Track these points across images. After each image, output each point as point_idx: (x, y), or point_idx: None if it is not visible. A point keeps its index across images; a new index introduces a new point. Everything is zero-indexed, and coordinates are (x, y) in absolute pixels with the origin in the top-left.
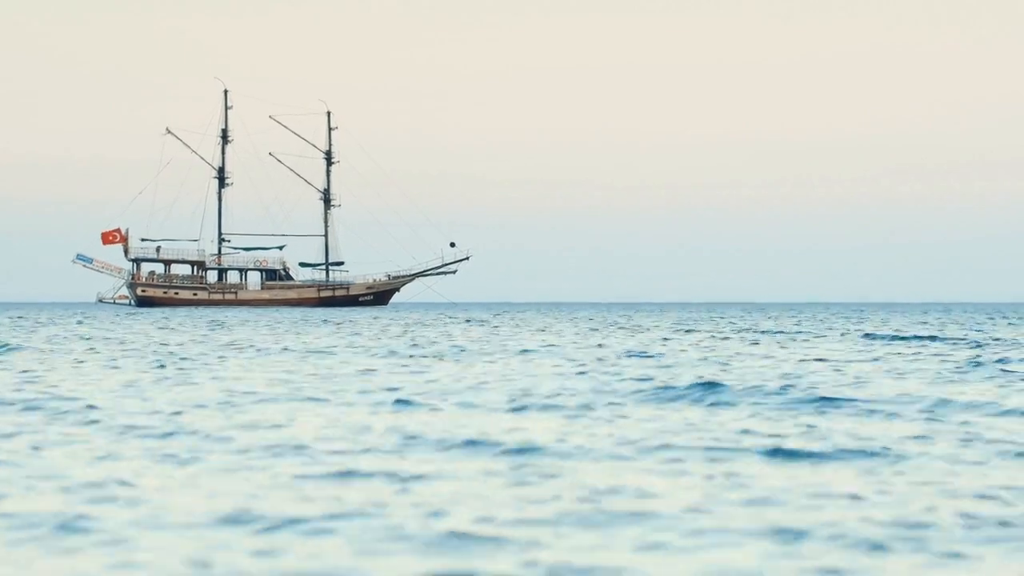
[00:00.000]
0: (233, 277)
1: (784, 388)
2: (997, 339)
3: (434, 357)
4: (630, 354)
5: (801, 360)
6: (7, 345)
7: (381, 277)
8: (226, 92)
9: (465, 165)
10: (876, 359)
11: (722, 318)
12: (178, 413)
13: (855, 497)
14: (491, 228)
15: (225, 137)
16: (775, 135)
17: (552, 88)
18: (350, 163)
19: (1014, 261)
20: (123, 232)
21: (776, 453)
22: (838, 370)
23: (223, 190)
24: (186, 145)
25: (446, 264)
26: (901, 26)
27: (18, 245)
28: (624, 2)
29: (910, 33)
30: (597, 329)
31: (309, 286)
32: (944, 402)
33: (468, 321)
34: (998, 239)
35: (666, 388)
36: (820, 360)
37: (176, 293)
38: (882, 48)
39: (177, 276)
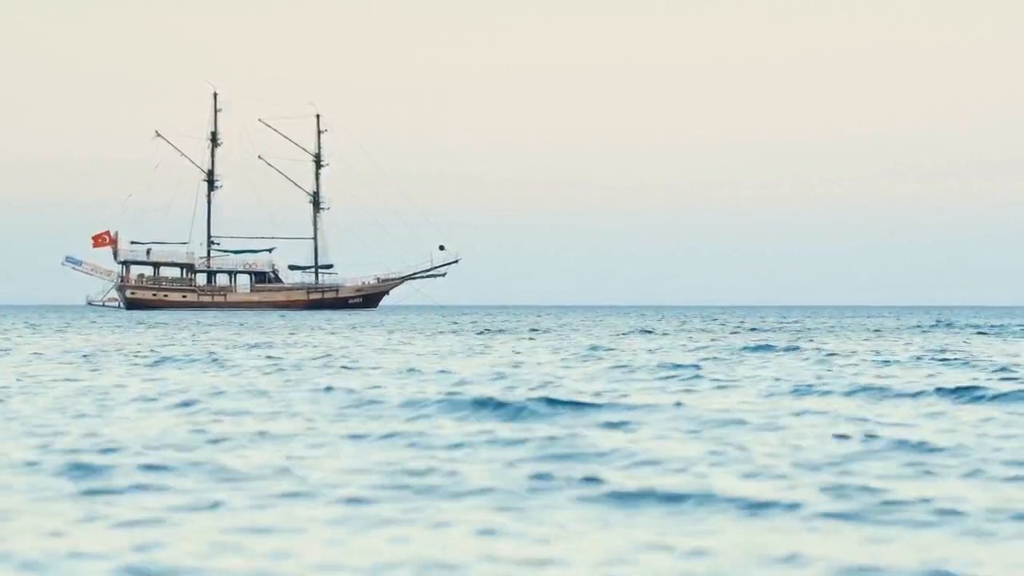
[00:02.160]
0: (222, 280)
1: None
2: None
3: None
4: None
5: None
6: None
7: (371, 280)
8: (215, 95)
9: (464, 165)
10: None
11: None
12: None
13: None
14: (489, 228)
15: (215, 140)
16: (774, 135)
17: (552, 88)
18: (349, 164)
19: (1013, 261)
20: (112, 234)
21: None
22: None
23: (213, 193)
24: (175, 148)
25: (435, 267)
26: (901, 26)
27: (18, 245)
28: (624, 2)
29: (910, 33)
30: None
31: (298, 288)
32: None
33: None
34: (997, 239)
35: None
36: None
37: (165, 295)
38: (882, 48)
39: (166, 279)
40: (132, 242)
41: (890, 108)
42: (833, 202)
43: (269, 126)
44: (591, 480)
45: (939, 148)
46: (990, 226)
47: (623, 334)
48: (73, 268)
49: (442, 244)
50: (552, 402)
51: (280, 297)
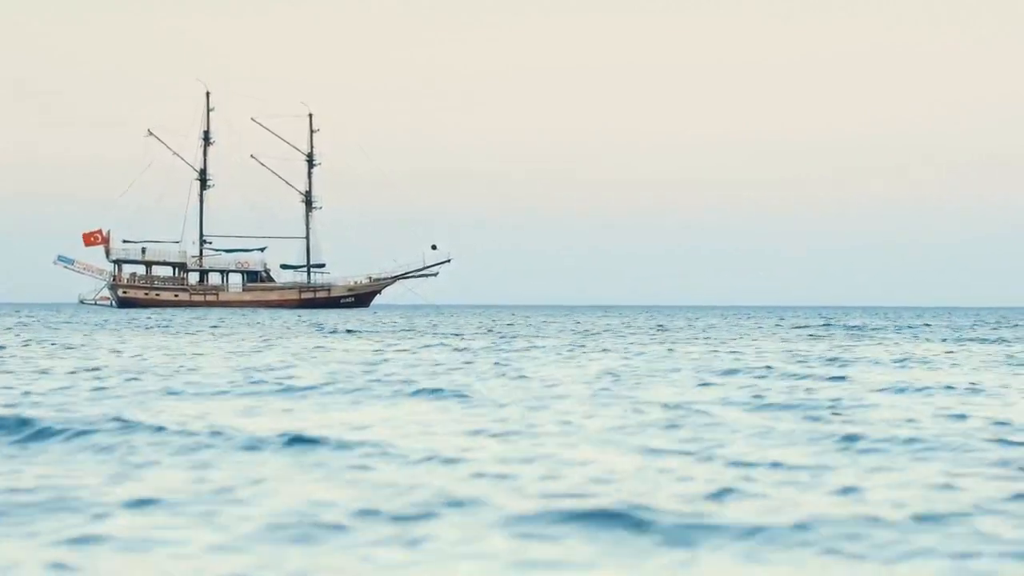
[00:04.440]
0: (214, 279)
1: None
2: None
3: None
4: None
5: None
6: None
7: (362, 279)
8: (208, 94)
9: (458, 164)
10: None
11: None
12: None
13: None
14: (483, 228)
15: (207, 139)
16: (775, 135)
17: (552, 88)
18: (341, 163)
19: (1013, 261)
20: (104, 233)
21: None
22: None
23: (205, 192)
24: (167, 147)
25: (427, 266)
26: (901, 26)
27: (12, 244)
28: (624, 2)
29: (910, 33)
30: None
31: (290, 288)
32: None
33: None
34: (998, 239)
35: None
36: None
37: (157, 294)
38: (882, 48)
39: (158, 278)
40: (124, 241)
41: (890, 108)
42: (833, 202)
43: (261, 125)
44: None
45: (940, 148)
46: (991, 226)
47: None
48: (65, 267)
49: (434, 244)
50: None
51: (272, 296)
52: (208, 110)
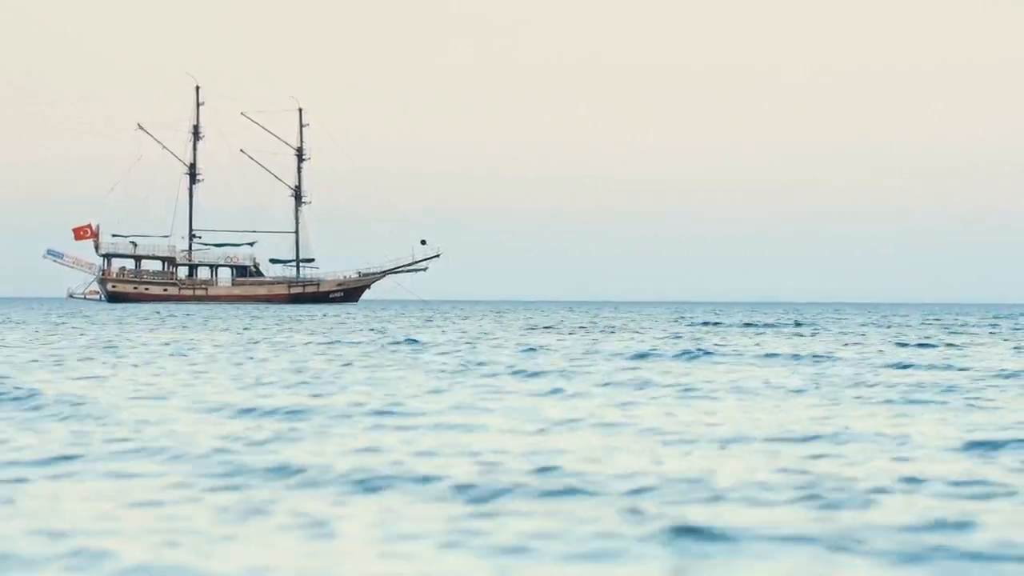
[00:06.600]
0: (204, 273)
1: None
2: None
3: None
4: None
5: None
6: None
7: (352, 274)
8: (198, 88)
9: (452, 161)
10: None
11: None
12: None
13: None
14: (473, 226)
15: (196, 134)
16: (777, 135)
17: (545, 87)
18: (331, 159)
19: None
20: (94, 227)
21: None
22: None
23: (194, 186)
24: (157, 141)
25: (417, 261)
26: (918, 27)
27: (6, 238)
28: (619, 1)
29: (926, 34)
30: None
31: (279, 282)
32: None
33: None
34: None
35: None
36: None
37: (146, 289)
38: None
39: (148, 272)
40: (113, 235)
41: (895, 109)
42: (838, 205)
43: (251, 120)
44: None
45: (945, 151)
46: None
47: None
48: (54, 261)
49: (423, 239)
50: None
51: (261, 291)
52: (198, 104)
